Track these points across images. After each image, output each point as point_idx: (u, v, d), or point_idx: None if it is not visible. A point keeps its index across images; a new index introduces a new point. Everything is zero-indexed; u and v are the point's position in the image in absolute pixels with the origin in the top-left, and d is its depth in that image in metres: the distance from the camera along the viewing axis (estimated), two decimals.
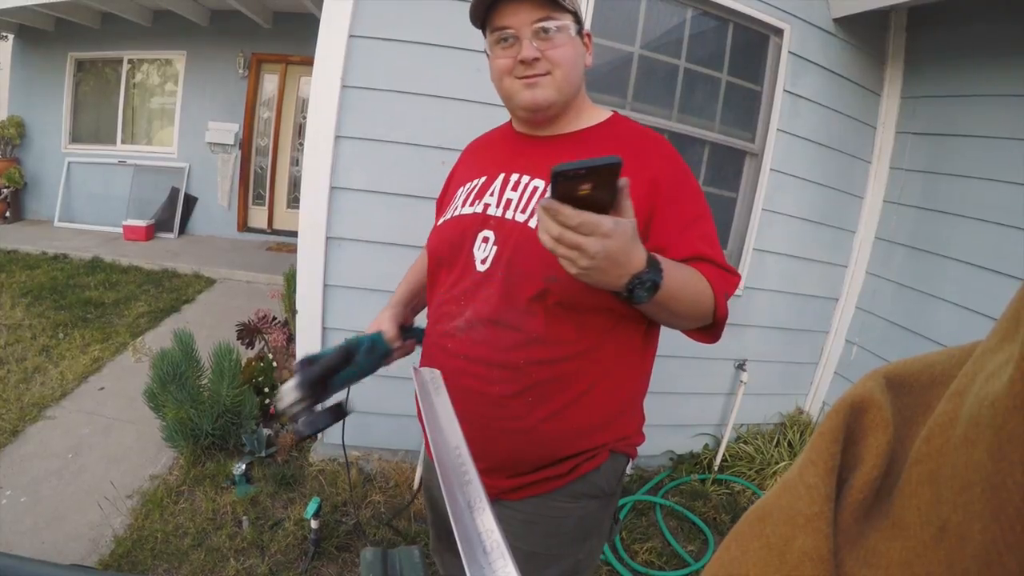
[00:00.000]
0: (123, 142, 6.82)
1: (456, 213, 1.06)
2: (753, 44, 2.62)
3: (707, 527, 2.53)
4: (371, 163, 2.32)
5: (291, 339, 2.96)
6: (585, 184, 0.70)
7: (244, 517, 2.26)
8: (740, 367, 2.96)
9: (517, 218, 0.98)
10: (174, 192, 6.54)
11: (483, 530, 0.42)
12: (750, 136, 2.72)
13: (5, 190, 6.45)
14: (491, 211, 1.01)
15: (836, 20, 2.68)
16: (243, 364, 2.78)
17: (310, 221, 2.34)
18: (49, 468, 2.47)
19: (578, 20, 0.99)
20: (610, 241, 0.73)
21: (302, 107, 6.54)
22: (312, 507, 2.05)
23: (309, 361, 0.98)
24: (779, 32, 2.59)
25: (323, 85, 2.23)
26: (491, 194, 1.03)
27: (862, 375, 0.31)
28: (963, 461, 0.21)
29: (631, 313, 0.96)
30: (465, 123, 2.24)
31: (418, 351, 1.19)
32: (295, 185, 6.64)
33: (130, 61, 6.70)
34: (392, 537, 2.28)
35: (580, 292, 0.91)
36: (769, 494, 0.31)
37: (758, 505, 0.31)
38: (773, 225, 2.80)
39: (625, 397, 1.05)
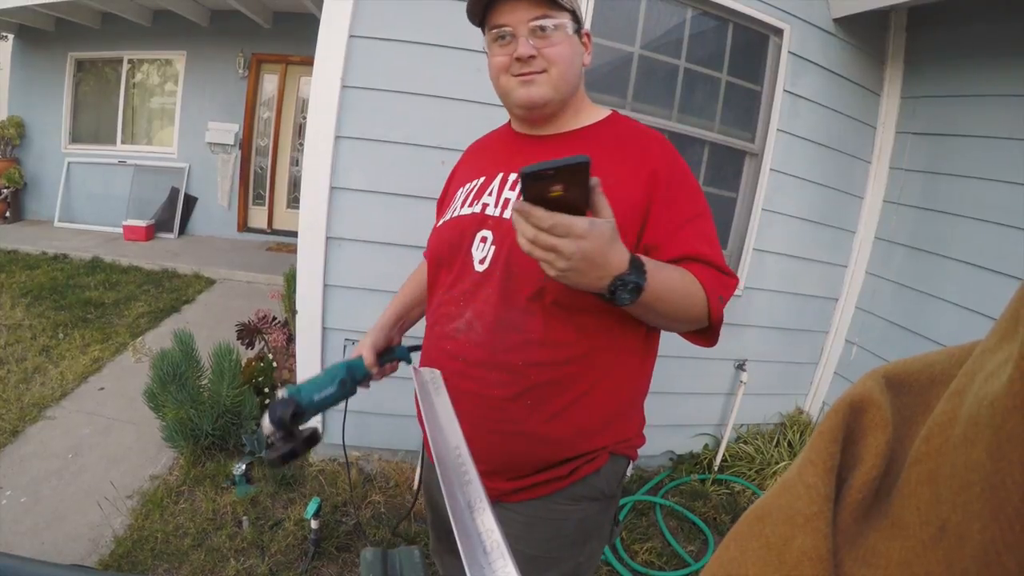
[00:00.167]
0: (123, 142, 6.82)
1: (455, 214, 1.06)
2: (753, 44, 2.63)
3: (707, 527, 2.53)
4: (371, 163, 2.32)
5: (291, 339, 2.96)
6: (556, 185, 0.70)
7: (244, 517, 2.26)
8: (740, 367, 2.96)
9: None
10: (174, 192, 6.54)
11: (483, 530, 0.42)
12: (750, 136, 2.72)
13: (5, 190, 6.45)
14: (489, 211, 1.01)
15: (836, 20, 2.68)
16: (243, 364, 2.78)
17: (310, 221, 2.35)
18: (49, 468, 2.47)
19: (576, 19, 0.99)
20: (585, 242, 0.73)
21: (302, 107, 6.54)
22: (312, 507, 2.05)
23: (287, 400, 0.99)
24: (779, 32, 2.59)
25: (323, 85, 2.23)
26: (489, 194, 1.03)
27: (862, 375, 0.31)
28: (962, 461, 0.21)
29: (630, 315, 0.95)
30: (465, 123, 2.25)
31: (417, 354, 1.19)
32: (295, 185, 6.64)
33: (130, 61, 6.70)
34: (392, 537, 2.28)
35: (576, 291, 0.91)
36: (768, 494, 0.31)
37: (757, 505, 0.31)
38: (773, 225, 2.80)
39: (625, 399, 1.04)
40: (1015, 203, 2.33)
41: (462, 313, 1.00)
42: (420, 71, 2.27)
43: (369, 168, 2.33)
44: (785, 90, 2.64)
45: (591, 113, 1.07)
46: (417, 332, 1.24)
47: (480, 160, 1.14)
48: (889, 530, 0.25)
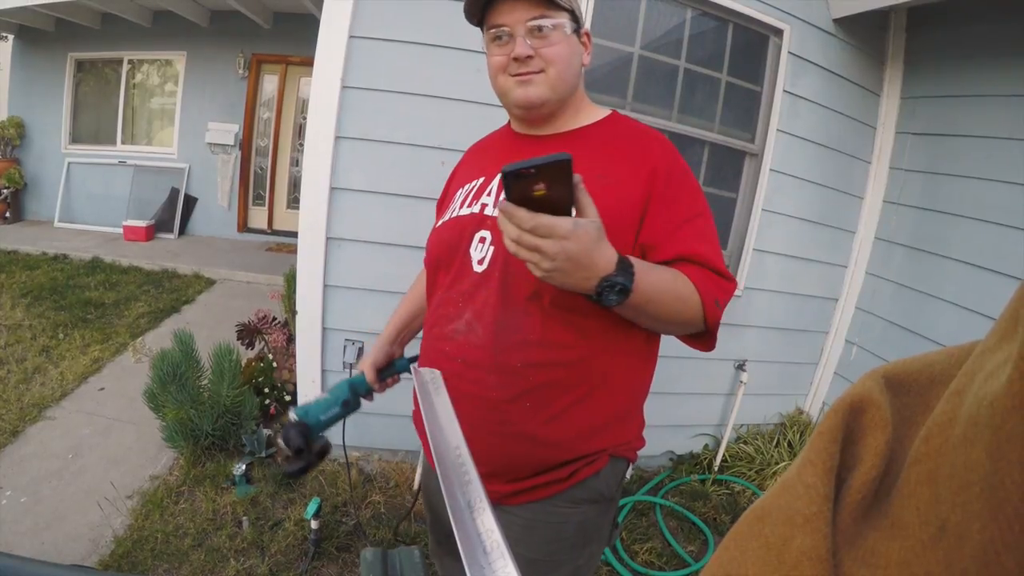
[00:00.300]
0: (123, 142, 6.82)
1: (454, 215, 1.06)
2: (753, 44, 2.63)
3: (707, 527, 2.53)
4: (371, 164, 2.33)
5: (291, 339, 2.96)
6: (539, 184, 0.69)
7: (244, 517, 2.26)
8: (740, 367, 2.96)
9: None
10: (174, 192, 6.54)
11: (483, 530, 0.41)
12: (750, 136, 2.72)
13: (5, 190, 6.45)
14: (488, 211, 1.00)
15: (836, 20, 2.68)
16: (243, 365, 2.78)
17: (310, 221, 2.35)
18: (49, 468, 2.47)
19: (575, 19, 0.98)
20: (569, 243, 0.73)
21: (302, 108, 6.54)
22: (312, 507, 2.05)
23: (297, 424, 1.07)
24: (779, 32, 2.59)
25: (323, 86, 2.24)
26: (488, 194, 1.03)
27: (861, 375, 0.31)
28: (962, 461, 0.21)
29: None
30: (465, 124, 2.25)
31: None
32: (295, 185, 6.64)
33: (130, 61, 6.70)
34: (393, 538, 2.28)
35: (573, 292, 0.90)
36: (768, 494, 0.31)
37: (757, 505, 0.31)
38: (773, 225, 2.80)
39: (626, 402, 1.03)
40: (1015, 203, 2.33)
41: (461, 314, 1.00)
42: (420, 71, 2.27)
43: (369, 168, 2.33)
44: (785, 90, 2.64)
45: (591, 113, 1.06)
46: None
47: (480, 160, 1.14)
48: (889, 530, 0.25)
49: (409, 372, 1.23)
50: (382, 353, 1.26)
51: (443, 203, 1.21)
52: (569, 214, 0.74)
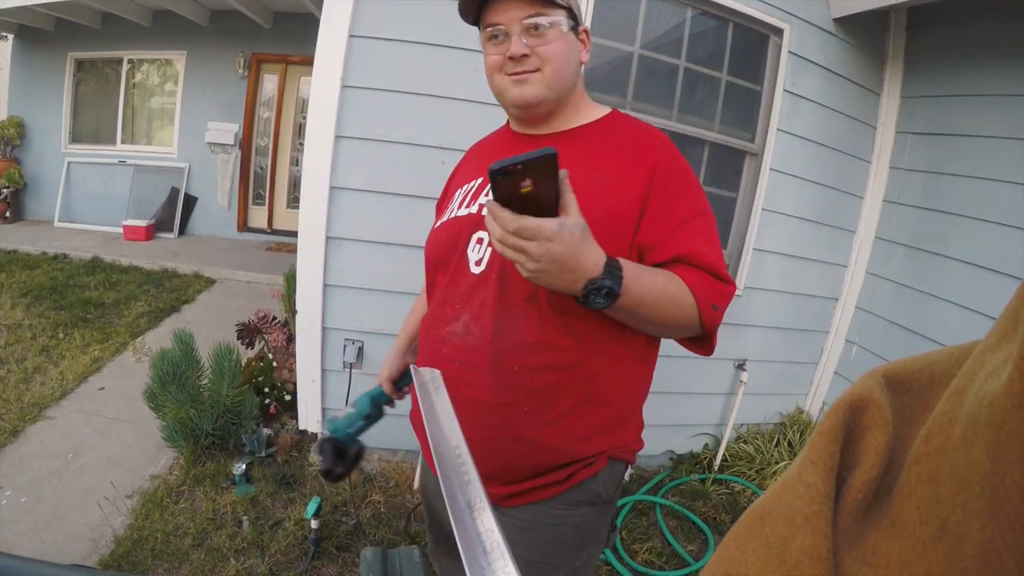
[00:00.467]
0: (123, 142, 6.82)
1: (452, 215, 1.06)
2: (753, 44, 2.63)
3: (707, 527, 2.53)
4: (371, 163, 2.33)
5: (291, 339, 2.96)
6: (525, 181, 0.69)
7: (244, 517, 2.26)
8: (740, 367, 2.96)
9: None
10: (174, 192, 6.54)
11: (483, 530, 0.41)
12: (750, 136, 2.72)
13: (5, 190, 6.45)
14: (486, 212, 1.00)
15: (836, 20, 2.68)
16: (243, 364, 2.78)
17: (310, 221, 2.35)
18: (49, 468, 2.47)
19: (573, 16, 0.97)
20: (553, 245, 0.73)
21: (302, 107, 6.54)
22: (312, 507, 2.05)
23: (328, 439, 1.19)
24: (779, 32, 2.59)
25: (323, 85, 2.24)
26: (486, 195, 1.01)
27: (861, 374, 0.31)
28: (962, 460, 0.21)
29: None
30: (465, 123, 2.25)
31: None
32: (295, 185, 6.64)
33: (130, 61, 6.70)
34: (392, 537, 2.28)
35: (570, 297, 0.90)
36: (768, 493, 0.31)
37: (757, 504, 0.31)
38: (773, 225, 2.80)
39: (624, 406, 1.03)
40: (1015, 203, 2.33)
41: (458, 316, 0.99)
42: (420, 71, 2.27)
43: (369, 168, 2.33)
44: (785, 90, 2.64)
45: (591, 111, 1.05)
46: None
47: (479, 161, 1.13)
48: (889, 530, 0.25)
49: None
50: (395, 365, 1.27)
51: (443, 203, 1.21)
52: (555, 211, 0.74)
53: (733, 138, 2.69)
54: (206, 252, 5.97)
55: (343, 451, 1.19)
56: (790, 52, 2.61)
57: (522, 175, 0.69)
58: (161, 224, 6.44)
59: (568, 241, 0.74)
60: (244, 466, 2.43)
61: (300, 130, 6.57)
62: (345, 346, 2.46)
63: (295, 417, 2.68)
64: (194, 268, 5.43)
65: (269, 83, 6.61)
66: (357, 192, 2.34)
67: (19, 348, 3.49)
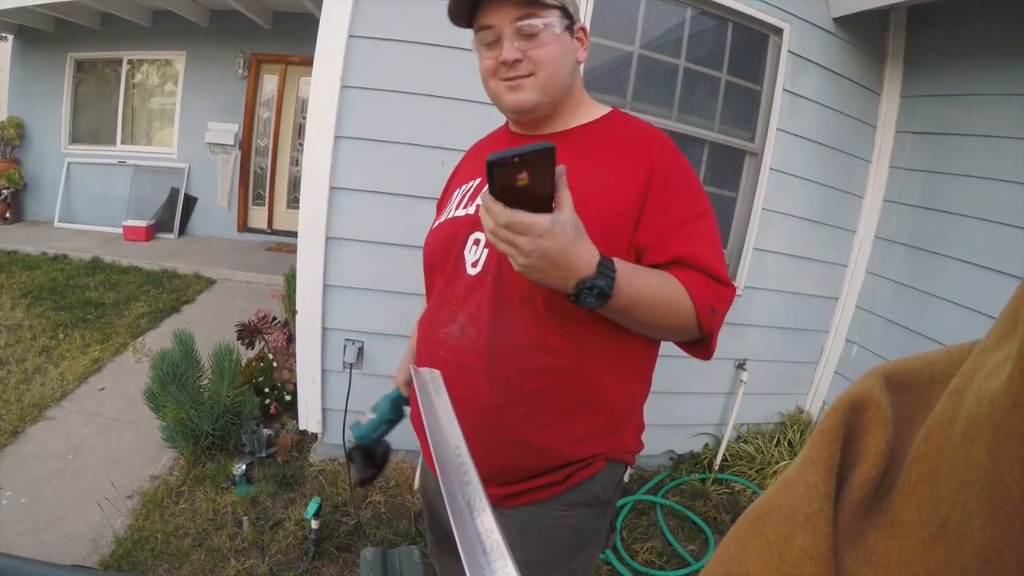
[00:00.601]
0: (123, 142, 6.82)
1: (450, 216, 1.05)
2: (753, 43, 2.63)
3: (707, 527, 2.53)
4: (371, 163, 2.33)
5: (291, 339, 2.96)
6: (522, 173, 0.69)
7: (244, 517, 2.26)
8: (740, 366, 2.96)
9: None
10: (174, 192, 6.54)
11: (483, 530, 0.41)
12: (750, 135, 2.72)
13: (5, 191, 6.45)
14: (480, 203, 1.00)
15: (836, 19, 2.68)
16: (243, 364, 2.78)
17: (310, 221, 2.35)
18: (49, 469, 2.47)
19: (567, 15, 0.94)
20: (545, 241, 0.73)
21: (302, 107, 6.54)
22: (312, 507, 2.05)
23: (359, 447, 1.26)
24: (779, 31, 2.59)
25: (323, 85, 2.24)
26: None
27: (862, 374, 0.31)
28: (962, 459, 0.21)
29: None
30: (464, 123, 2.25)
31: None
32: (295, 185, 6.64)
33: (130, 61, 6.70)
34: (392, 537, 2.28)
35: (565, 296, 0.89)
36: (768, 493, 0.31)
37: (757, 504, 0.31)
38: (773, 225, 2.80)
39: (622, 410, 1.02)
40: (1015, 202, 2.33)
41: (454, 318, 0.98)
42: (420, 71, 2.27)
43: (369, 168, 2.33)
44: (785, 89, 2.64)
45: (590, 111, 1.04)
46: None
47: (478, 161, 1.13)
48: (889, 528, 0.25)
49: None
50: (409, 367, 1.28)
51: (442, 203, 1.20)
52: (550, 206, 0.74)
53: (733, 138, 2.69)
54: (206, 252, 5.97)
55: (372, 455, 1.25)
56: (790, 52, 2.61)
57: (519, 168, 0.69)
58: (161, 224, 6.44)
59: (560, 238, 0.74)
60: (244, 466, 2.43)
61: (300, 130, 6.57)
62: (345, 346, 2.46)
63: (295, 417, 2.68)
64: (194, 268, 5.43)
65: (269, 83, 6.61)
66: (357, 192, 2.34)
67: (19, 349, 3.49)
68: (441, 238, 1.05)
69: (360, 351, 2.48)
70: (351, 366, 2.45)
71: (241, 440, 2.60)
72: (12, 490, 2.32)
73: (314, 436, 2.70)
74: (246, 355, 2.96)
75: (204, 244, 6.35)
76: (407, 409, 1.28)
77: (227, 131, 6.44)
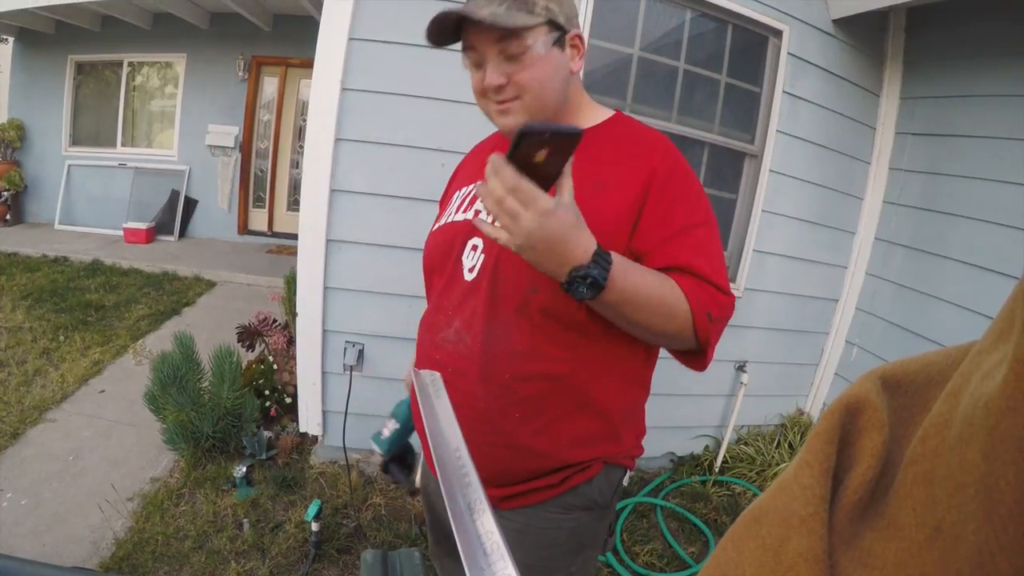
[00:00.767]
0: (123, 145, 6.83)
1: (449, 220, 1.05)
2: (752, 45, 2.63)
3: (708, 529, 2.52)
4: (371, 166, 2.33)
5: (291, 342, 2.96)
6: (543, 150, 0.70)
7: (245, 519, 2.26)
8: (740, 368, 2.96)
9: None
10: (174, 195, 6.54)
11: (483, 532, 0.42)
12: (749, 137, 2.72)
13: (5, 193, 6.45)
14: (482, 217, 0.98)
15: (835, 21, 2.68)
16: (244, 367, 2.78)
17: (310, 224, 2.35)
18: (50, 471, 2.47)
19: (556, 26, 0.90)
20: (547, 220, 0.72)
21: (302, 110, 6.55)
22: (313, 509, 2.05)
23: (390, 459, 1.26)
24: (778, 33, 2.59)
25: (323, 88, 2.24)
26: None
27: (859, 376, 0.31)
28: (957, 462, 0.21)
29: (625, 336, 0.92)
30: (465, 125, 2.25)
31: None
32: (295, 188, 6.65)
33: (130, 64, 6.71)
34: (393, 539, 2.28)
35: (561, 302, 0.88)
36: (765, 495, 0.31)
37: (754, 506, 0.31)
38: (773, 226, 2.80)
39: (621, 413, 1.01)
40: (1015, 203, 2.33)
41: (450, 323, 0.98)
42: (420, 73, 2.27)
43: (369, 171, 2.33)
44: (784, 91, 2.65)
45: (592, 115, 1.02)
46: None
47: (478, 164, 1.12)
48: (885, 531, 0.25)
49: None
50: None
51: (443, 203, 1.20)
52: (551, 192, 0.75)
53: (733, 140, 2.70)
54: (206, 255, 5.98)
55: (405, 461, 1.28)
56: (789, 53, 2.61)
57: (543, 143, 0.69)
58: (161, 227, 6.45)
59: (562, 219, 0.73)
60: (245, 469, 2.43)
61: (300, 133, 6.58)
62: (346, 349, 2.46)
63: (296, 420, 2.68)
64: (194, 271, 5.43)
65: (269, 86, 6.62)
66: (357, 195, 2.34)
67: (19, 351, 3.49)
68: (440, 241, 1.05)
69: (360, 353, 2.48)
70: (351, 368, 2.45)
71: (241, 442, 2.60)
72: (12, 492, 2.32)
73: (314, 438, 2.70)
74: (246, 357, 2.96)
75: (204, 246, 6.36)
76: None
77: (227, 133, 6.45)
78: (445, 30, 0.92)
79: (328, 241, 2.36)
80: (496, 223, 0.76)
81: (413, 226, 2.28)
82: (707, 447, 3.09)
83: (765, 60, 2.64)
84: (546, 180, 0.73)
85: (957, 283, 2.56)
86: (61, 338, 3.72)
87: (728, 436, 2.99)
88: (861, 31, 2.76)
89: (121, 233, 6.27)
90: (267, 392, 2.86)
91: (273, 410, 2.84)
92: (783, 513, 0.28)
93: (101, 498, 2.30)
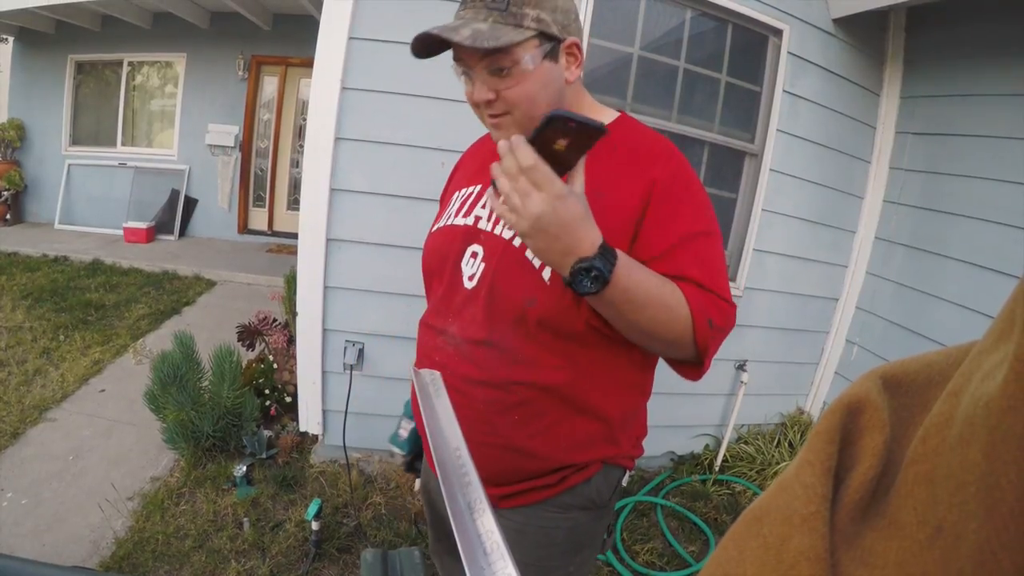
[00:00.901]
0: (123, 144, 6.83)
1: (449, 222, 1.04)
2: (752, 45, 2.63)
3: (708, 528, 2.53)
4: (371, 165, 2.33)
5: (291, 341, 2.96)
6: (566, 139, 0.70)
7: (245, 519, 2.26)
8: (740, 367, 2.96)
9: (504, 234, 0.94)
10: (174, 194, 6.54)
11: (483, 531, 0.42)
12: (750, 137, 2.72)
13: (5, 193, 6.45)
14: (482, 224, 0.97)
15: (835, 20, 2.68)
16: (244, 366, 2.78)
17: (310, 223, 2.35)
18: (50, 470, 2.47)
19: (549, 37, 0.86)
20: (559, 204, 0.71)
21: (302, 109, 6.55)
22: (313, 508, 2.05)
23: (415, 459, 1.29)
24: (778, 33, 2.59)
25: (323, 87, 2.24)
26: (483, 206, 0.99)
27: (860, 375, 0.31)
28: (958, 461, 0.21)
29: (623, 345, 0.91)
30: (465, 125, 2.23)
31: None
32: (295, 187, 6.65)
33: (130, 63, 6.71)
34: (393, 538, 2.28)
35: (559, 315, 0.88)
36: (766, 494, 0.31)
37: (755, 505, 0.31)
38: (773, 226, 2.80)
39: (620, 417, 1.00)
40: (1015, 202, 2.33)
41: (449, 328, 0.98)
42: (420, 73, 2.26)
43: (369, 170, 2.33)
44: (784, 90, 2.64)
45: (596, 118, 1.02)
46: None
47: (478, 164, 1.11)
48: (886, 530, 0.25)
49: None
50: None
51: (443, 202, 1.19)
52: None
53: (733, 139, 2.70)
54: (207, 254, 5.98)
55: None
56: (789, 53, 2.61)
57: (567, 133, 0.69)
58: (161, 226, 6.45)
59: (573, 208, 0.72)
60: (245, 468, 2.43)
61: (300, 132, 6.58)
62: (346, 348, 2.46)
63: (296, 419, 2.68)
64: (194, 270, 5.43)
65: (269, 85, 6.62)
66: (357, 194, 2.34)
67: (20, 350, 3.49)
68: (439, 245, 1.04)
69: (360, 353, 2.48)
70: (352, 368, 2.45)
71: (242, 442, 2.60)
72: (12, 491, 2.33)
73: (315, 438, 2.70)
74: (246, 357, 2.96)
75: (204, 246, 6.36)
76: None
77: (227, 133, 6.45)
78: (429, 46, 0.90)
79: (328, 240, 2.36)
80: (505, 204, 0.75)
81: (413, 225, 2.27)
82: (707, 446, 3.09)
83: (765, 59, 2.64)
84: (561, 169, 0.73)
85: (957, 282, 2.56)
86: (61, 337, 3.72)
87: (728, 435, 2.99)
88: (861, 30, 2.76)
89: (121, 232, 6.27)
90: (267, 391, 2.86)
91: (273, 409, 2.84)
92: (785, 512, 0.28)
93: (101, 497, 2.30)
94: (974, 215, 2.52)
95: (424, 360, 1.03)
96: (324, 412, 2.60)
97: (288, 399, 2.89)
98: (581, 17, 2.26)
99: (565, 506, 1.01)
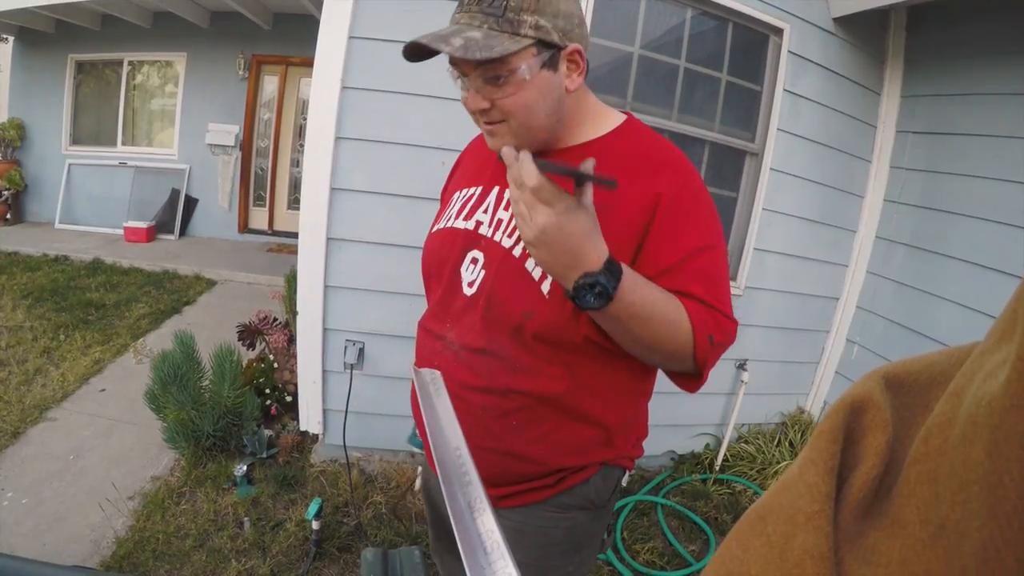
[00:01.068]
0: (123, 144, 6.83)
1: (449, 224, 1.02)
2: (753, 44, 2.63)
3: (709, 527, 2.53)
4: (371, 164, 2.33)
5: (292, 340, 2.96)
6: (573, 185, 0.72)
7: (245, 518, 2.26)
8: (741, 367, 2.96)
9: (504, 242, 0.93)
10: (174, 194, 6.54)
11: (483, 531, 0.42)
12: (750, 136, 2.72)
13: (6, 192, 6.45)
14: (483, 230, 0.96)
15: (836, 19, 2.68)
16: (244, 365, 2.78)
17: (310, 222, 2.35)
18: (50, 470, 2.48)
19: (548, 45, 0.82)
20: (565, 219, 0.70)
21: (302, 108, 6.55)
22: (313, 508, 2.05)
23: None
24: (779, 32, 2.59)
25: (323, 86, 2.24)
26: (484, 211, 0.98)
27: (863, 374, 0.31)
28: (961, 460, 0.21)
29: (622, 357, 0.90)
30: (465, 124, 2.22)
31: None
32: (296, 186, 6.65)
33: (130, 63, 6.71)
34: (393, 538, 2.28)
35: (557, 329, 0.87)
36: (769, 493, 0.31)
37: (758, 504, 0.31)
38: (773, 225, 2.80)
39: (620, 422, 1.00)
40: (1016, 201, 2.33)
41: (447, 333, 0.98)
42: (421, 72, 2.25)
43: (369, 169, 2.33)
44: (785, 89, 2.64)
45: (600, 122, 0.96)
46: None
47: (479, 164, 1.10)
48: (889, 529, 0.25)
49: None
50: None
51: (444, 200, 1.18)
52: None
53: (733, 138, 2.69)
54: (207, 253, 5.98)
55: None
56: (790, 52, 2.61)
57: (572, 181, 0.71)
58: (162, 226, 6.45)
59: (581, 222, 0.71)
60: (245, 467, 2.43)
61: (300, 131, 6.58)
62: (346, 347, 2.47)
63: (296, 418, 2.68)
64: (195, 270, 5.43)
65: (269, 84, 6.62)
66: (358, 193, 2.34)
67: (20, 350, 3.49)
68: (438, 247, 1.03)
69: (361, 352, 2.48)
70: (352, 367, 2.45)
71: (242, 441, 2.60)
72: (13, 491, 2.33)
73: (315, 437, 2.70)
74: (247, 356, 2.96)
75: (205, 245, 6.36)
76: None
77: (228, 132, 6.45)
78: (421, 51, 0.85)
79: (328, 239, 2.36)
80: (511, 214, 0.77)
81: (413, 224, 2.27)
82: (708, 445, 3.09)
83: (766, 58, 2.64)
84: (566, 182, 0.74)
85: (958, 281, 2.56)
86: (62, 337, 3.72)
87: (729, 434, 2.99)
88: (862, 29, 2.75)
89: (121, 232, 6.27)
90: (267, 391, 2.87)
91: (274, 409, 2.84)
92: (788, 511, 0.28)
93: (102, 497, 2.30)
94: (975, 214, 2.52)
95: (423, 364, 1.03)
96: (324, 411, 2.60)
97: (288, 398, 2.89)
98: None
99: (564, 506, 1.01)
